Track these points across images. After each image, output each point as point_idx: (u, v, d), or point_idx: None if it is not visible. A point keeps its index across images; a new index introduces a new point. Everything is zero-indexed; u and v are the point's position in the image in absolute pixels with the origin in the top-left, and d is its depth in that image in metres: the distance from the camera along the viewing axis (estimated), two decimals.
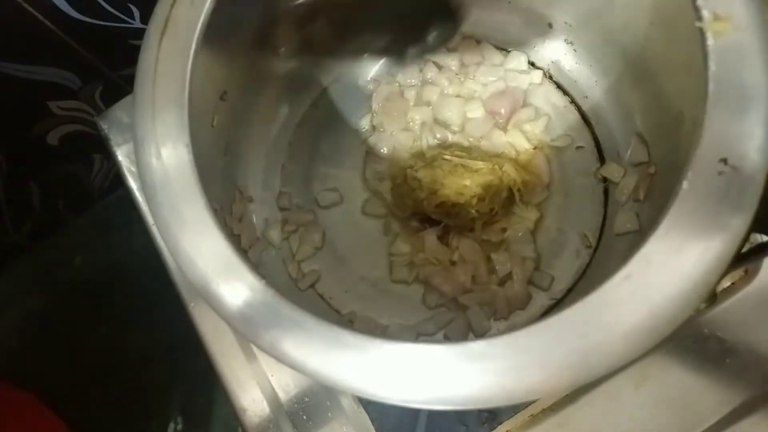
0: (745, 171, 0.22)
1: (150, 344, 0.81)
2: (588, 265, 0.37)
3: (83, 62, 0.62)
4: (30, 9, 0.53)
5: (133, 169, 0.44)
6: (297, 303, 0.24)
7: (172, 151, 0.27)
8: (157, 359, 0.80)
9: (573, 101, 0.40)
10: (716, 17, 0.24)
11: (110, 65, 0.65)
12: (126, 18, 0.59)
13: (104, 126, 0.45)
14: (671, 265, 0.22)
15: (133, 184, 0.43)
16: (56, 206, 0.84)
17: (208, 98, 0.32)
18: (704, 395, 0.34)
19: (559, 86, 0.41)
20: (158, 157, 0.27)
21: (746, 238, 0.22)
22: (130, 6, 0.58)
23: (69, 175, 0.80)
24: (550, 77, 0.41)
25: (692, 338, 0.35)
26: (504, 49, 0.43)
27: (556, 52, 0.41)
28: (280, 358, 0.24)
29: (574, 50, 0.40)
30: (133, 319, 0.82)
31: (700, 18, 0.24)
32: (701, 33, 0.24)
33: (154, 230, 0.41)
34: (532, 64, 0.42)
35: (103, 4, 0.56)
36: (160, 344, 0.80)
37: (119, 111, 0.45)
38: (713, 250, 0.21)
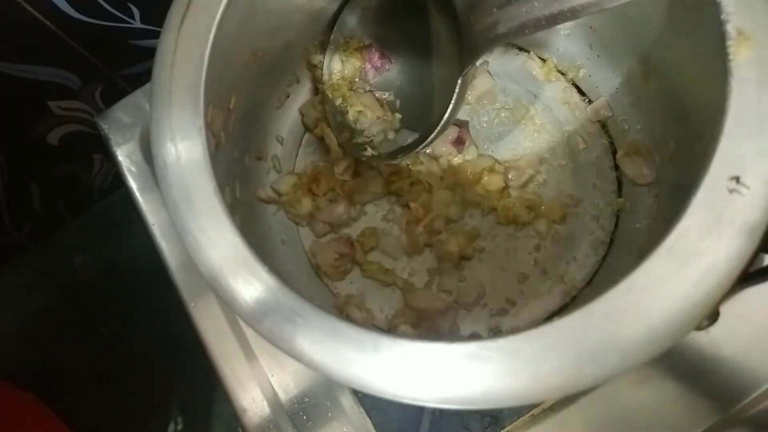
0: (757, 191, 0.22)
1: (150, 344, 0.81)
2: (602, 262, 0.37)
3: (83, 62, 0.62)
4: (30, 9, 0.53)
5: (133, 169, 0.44)
6: (309, 291, 0.24)
7: (186, 133, 0.28)
8: (157, 359, 0.80)
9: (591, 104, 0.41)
10: (740, 33, 0.24)
11: (110, 65, 0.65)
12: (126, 18, 0.59)
13: (104, 126, 0.45)
14: (674, 280, 0.22)
15: (133, 184, 0.43)
16: (56, 206, 0.83)
17: (225, 82, 0.32)
18: (704, 396, 0.34)
19: (579, 90, 0.41)
20: (172, 138, 0.28)
21: (753, 259, 0.21)
22: (130, 6, 0.58)
23: (69, 175, 0.80)
24: (571, 80, 0.41)
25: (692, 339, 0.35)
26: (525, 50, 0.43)
27: (578, 56, 0.41)
28: (291, 353, 0.24)
29: (597, 55, 0.40)
30: (133, 320, 0.82)
31: (723, 33, 0.24)
32: (724, 49, 0.24)
33: (154, 230, 0.41)
34: (555, 67, 0.42)
35: (103, 4, 0.56)
36: (160, 344, 0.80)
37: (119, 111, 0.45)
38: (718, 268, 0.21)
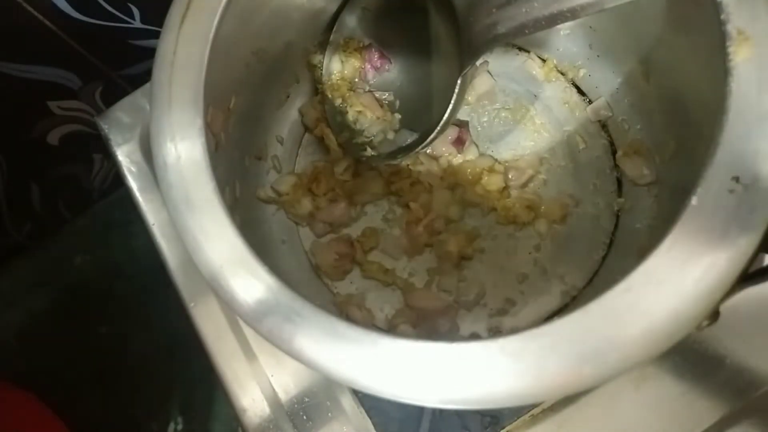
0: (757, 191, 0.22)
1: (150, 344, 0.81)
2: (602, 262, 0.37)
3: (83, 62, 0.62)
4: (30, 9, 0.53)
5: (133, 169, 0.44)
6: (309, 291, 0.24)
7: (186, 133, 0.28)
8: (157, 359, 0.80)
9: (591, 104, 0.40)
10: (740, 33, 0.24)
11: (110, 65, 0.65)
12: (126, 18, 0.59)
13: (104, 126, 0.45)
14: (673, 280, 0.21)
15: (133, 184, 0.43)
16: (56, 206, 0.84)
17: (225, 82, 0.32)
18: (704, 395, 0.34)
19: (579, 90, 0.41)
20: (172, 138, 0.28)
21: (753, 259, 0.21)
22: (130, 6, 0.58)
23: (69, 175, 0.80)
24: (571, 80, 0.41)
25: (692, 338, 0.35)
26: (525, 50, 0.43)
27: (578, 56, 0.41)
28: (291, 353, 0.24)
29: (597, 55, 0.40)
30: (133, 319, 0.83)
31: (723, 33, 0.24)
32: (724, 49, 0.24)
33: (154, 230, 0.41)
34: (555, 67, 0.42)
35: (103, 4, 0.56)
36: (160, 344, 0.80)
37: (119, 111, 0.45)
38: (718, 268, 0.21)
